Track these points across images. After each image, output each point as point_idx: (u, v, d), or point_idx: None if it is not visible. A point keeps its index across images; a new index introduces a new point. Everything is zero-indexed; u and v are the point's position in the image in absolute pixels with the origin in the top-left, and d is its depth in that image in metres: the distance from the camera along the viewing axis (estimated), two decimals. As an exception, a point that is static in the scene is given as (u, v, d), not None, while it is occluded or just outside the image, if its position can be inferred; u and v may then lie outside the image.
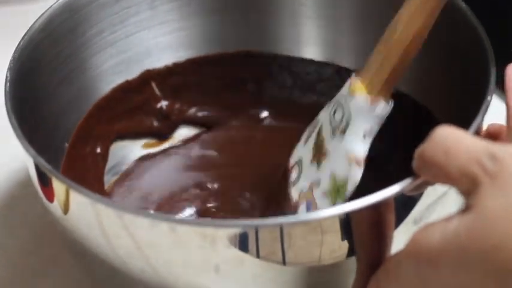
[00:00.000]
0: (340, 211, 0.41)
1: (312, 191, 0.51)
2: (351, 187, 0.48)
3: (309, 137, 0.53)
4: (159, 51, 0.61)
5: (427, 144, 0.38)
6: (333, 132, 0.50)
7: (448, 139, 0.38)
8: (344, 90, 0.50)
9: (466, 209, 0.36)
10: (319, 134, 0.52)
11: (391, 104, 0.48)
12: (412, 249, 0.38)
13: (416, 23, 0.46)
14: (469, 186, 0.37)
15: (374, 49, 0.48)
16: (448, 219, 0.37)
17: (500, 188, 0.35)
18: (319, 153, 0.51)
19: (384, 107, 0.48)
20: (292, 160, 0.54)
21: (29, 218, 0.59)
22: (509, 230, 0.35)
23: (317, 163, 0.51)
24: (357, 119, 0.48)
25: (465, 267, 0.36)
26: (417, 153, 0.39)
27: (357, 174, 0.48)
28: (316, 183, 0.51)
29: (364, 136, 0.48)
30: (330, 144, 0.50)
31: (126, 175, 0.60)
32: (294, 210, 0.52)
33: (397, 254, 0.39)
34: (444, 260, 0.36)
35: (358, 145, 0.48)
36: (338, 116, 0.50)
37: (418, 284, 0.38)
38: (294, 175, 0.53)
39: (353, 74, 0.50)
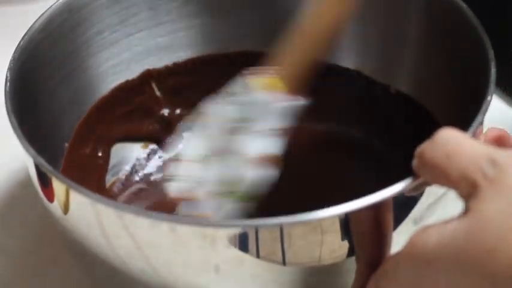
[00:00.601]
0: (340, 211, 0.41)
1: (195, 189, 0.49)
2: (245, 187, 0.48)
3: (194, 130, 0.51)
4: (159, 51, 0.61)
5: (428, 145, 0.38)
6: (232, 132, 0.49)
7: (449, 142, 0.38)
8: (241, 87, 0.49)
9: (464, 212, 0.37)
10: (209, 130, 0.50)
11: (300, 99, 0.48)
12: (410, 250, 0.38)
13: (326, 21, 0.47)
14: (468, 190, 0.37)
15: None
16: (446, 222, 0.37)
17: (499, 192, 0.36)
18: (210, 151, 0.50)
19: (291, 102, 0.47)
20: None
21: (29, 218, 0.59)
22: (505, 235, 0.35)
23: (205, 162, 0.50)
24: (262, 117, 0.48)
25: (461, 270, 0.36)
26: (417, 152, 0.39)
27: (256, 173, 0.47)
28: (202, 183, 0.49)
29: (269, 134, 0.47)
30: (226, 143, 0.49)
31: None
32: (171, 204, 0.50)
33: (396, 255, 0.39)
34: (440, 262, 0.36)
35: (262, 144, 0.48)
36: (238, 114, 0.49)
37: (415, 286, 0.38)
38: (172, 169, 0.51)
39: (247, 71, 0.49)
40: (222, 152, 0.49)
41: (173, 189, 0.50)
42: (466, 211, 0.36)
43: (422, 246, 0.37)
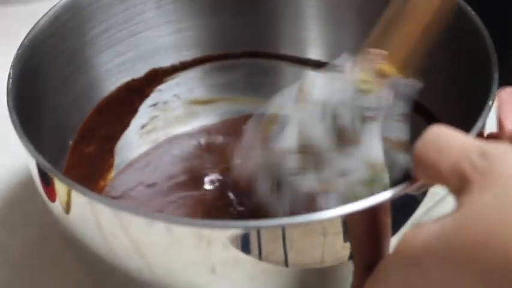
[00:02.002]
0: (342, 212, 0.41)
1: (336, 181, 0.48)
2: (396, 173, 0.47)
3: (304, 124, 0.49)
4: (165, 50, 0.61)
5: (419, 142, 0.38)
6: (362, 120, 0.48)
7: (440, 137, 0.38)
8: (361, 75, 0.48)
9: (455, 209, 0.36)
10: (334, 121, 0.49)
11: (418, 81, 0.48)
12: (399, 250, 0.37)
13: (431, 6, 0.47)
14: (459, 184, 0.36)
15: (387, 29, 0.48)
16: (436, 220, 0.36)
17: (489, 185, 0.35)
18: (341, 141, 0.49)
19: (414, 84, 0.47)
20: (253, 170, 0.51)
21: (29, 218, 0.59)
22: (495, 227, 0.34)
23: (339, 152, 0.49)
24: (392, 103, 0.47)
25: (450, 266, 0.35)
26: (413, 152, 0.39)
27: (402, 158, 0.47)
28: (342, 172, 0.48)
29: (401, 118, 0.47)
30: (359, 132, 0.48)
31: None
32: (309, 202, 0.49)
33: (386, 257, 0.39)
34: (431, 260, 0.36)
35: (397, 129, 0.47)
36: (367, 103, 0.48)
37: (406, 286, 0.38)
38: (292, 164, 0.50)
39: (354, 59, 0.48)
40: (362, 141, 0.48)
41: (307, 182, 0.49)
42: (457, 207, 0.36)
43: (412, 245, 0.37)
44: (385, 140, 0.47)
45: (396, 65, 0.47)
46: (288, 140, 0.49)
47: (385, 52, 0.48)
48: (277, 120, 0.49)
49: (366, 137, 0.48)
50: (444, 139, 0.38)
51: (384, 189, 0.44)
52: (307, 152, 0.49)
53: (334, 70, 0.49)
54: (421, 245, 0.36)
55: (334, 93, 0.48)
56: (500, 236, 0.34)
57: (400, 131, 0.47)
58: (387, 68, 0.47)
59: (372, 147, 0.47)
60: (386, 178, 0.47)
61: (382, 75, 0.47)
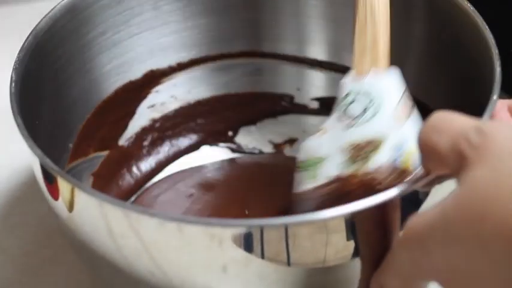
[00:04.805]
0: (346, 211, 0.41)
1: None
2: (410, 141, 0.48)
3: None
4: (162, 51, 0.61)
5: (422, 127, 0.39)
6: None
7: (440, 120, 0.38)
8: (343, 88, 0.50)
9: (455, 188, 0.37)
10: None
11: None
12: (403, 235, 0.38)
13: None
14: (458, 163, 0.37)
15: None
16: (438, 202, 0.37)
17: (484, 160, 0.35)
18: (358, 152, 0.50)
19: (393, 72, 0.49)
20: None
21: (29, 218, 0.59)
22: (492, 200, 0.34)
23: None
24: (383, 93, 0.49)
25: (452, 243, 0.35)
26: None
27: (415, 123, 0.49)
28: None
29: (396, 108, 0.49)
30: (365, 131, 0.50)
31: None
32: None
33: (392, 246, 0.39)
34: (433, 239, 0.36)
35: (396, 102, 0.49)
36: (356, 109, 0.50)
37: (413, 271, 0.38)
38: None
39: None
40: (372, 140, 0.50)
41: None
42: (456, 186, 0.36)
43: (414, 229, 0.37)
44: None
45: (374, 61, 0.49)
46: None
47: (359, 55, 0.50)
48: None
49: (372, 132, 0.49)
50: (443, 121, 0.38)
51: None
52: None
53: None
54: (424, 228, 0.37)
55: None
56: (498, 207, 0.34)
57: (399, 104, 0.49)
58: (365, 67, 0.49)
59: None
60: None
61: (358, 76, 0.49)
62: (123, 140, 0.61)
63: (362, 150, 0.49)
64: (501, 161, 0.35)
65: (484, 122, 0.37)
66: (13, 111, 0.47)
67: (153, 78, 0.61)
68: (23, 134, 0.46)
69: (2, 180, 0.62)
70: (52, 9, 0.54)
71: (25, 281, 0.56)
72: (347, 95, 0.51)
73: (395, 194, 0.41)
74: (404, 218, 0.43)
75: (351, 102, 0.50)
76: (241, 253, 0.42)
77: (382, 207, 0.41)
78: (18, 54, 0.51)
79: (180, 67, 0.62)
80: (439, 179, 0.42)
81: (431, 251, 0.36)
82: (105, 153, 0.59)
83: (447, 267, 0.36)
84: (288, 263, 0.43)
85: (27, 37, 0.52)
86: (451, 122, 0.38)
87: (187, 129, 0.63)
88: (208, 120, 0.63)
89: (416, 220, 0.37)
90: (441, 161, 0.38)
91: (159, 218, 0.42)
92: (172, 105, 0.63)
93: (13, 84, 0.49)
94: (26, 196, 0.60)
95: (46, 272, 0.56)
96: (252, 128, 0.64)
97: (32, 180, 0.56)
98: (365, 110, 0.49)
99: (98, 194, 0.43)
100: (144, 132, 0.62)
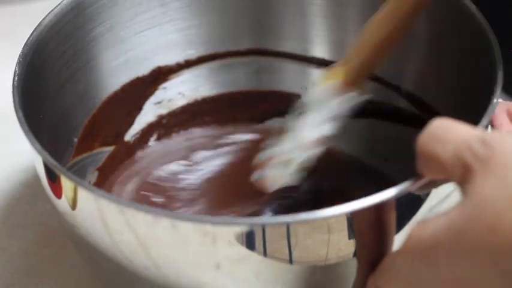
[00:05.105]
0: (346, 210, 0.41)
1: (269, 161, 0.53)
2: (294, 166, 0.51)
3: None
4: (170, 48, 0.61)
5: (421, 135, 0.39)
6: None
7: (441, 129, 0.38)
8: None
9: (461, 199, 0.36)
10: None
11: (364, 95, 0.49)
12: (406, 245, 0.38)
13: (387, 26, 0.48)
14: (462, 174, 0.36)
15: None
16: (443, 213, 0.37)
17: (492, 171, 0.35)
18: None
19: (351, 97, 0.49)
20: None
21: (29, 218, 0.59)
22: (501, 211, 0.34)
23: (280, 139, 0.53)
24: (319, 106, 0.50)
25: (461, 256, 0.35)
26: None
27: (302, 155, 0.51)
28: (275, 155, 0.52)
29: (324, 121, 0.50)
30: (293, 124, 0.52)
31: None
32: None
33: (393, 253, 0.39)
34: (440, 251, 0.36)
35: (313, 129, 0.50)
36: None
37: (415, 282, 0.38)
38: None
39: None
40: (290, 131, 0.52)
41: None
42: (462, 197, 0.36)
43: (420, 240, 0.37)
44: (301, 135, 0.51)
45: (346, 74, 0.49)
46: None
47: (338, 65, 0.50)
48: None
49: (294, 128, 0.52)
50: (445, 130, 0.38)
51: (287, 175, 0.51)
52: None
53: None
54: (430, 239, 0.36)
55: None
56: (507, 218, 0.34)
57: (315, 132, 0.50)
58: (329, 77, 0.49)
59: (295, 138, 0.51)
60: (292, 167, 0.51)
61: (329, 79, 0.49)
62: (129, 136, 0.61)
63: None
64: (507, 170, 0.35)
65: (487, 133, 0.37)
66: (14, 105, 0.47)
67: (161, 75, 0.61)
68: (23, 129, 0.46)
69: (2, 180, 0.62)
70: (58, 5, 0.55)
71: (25, 281, 0.56)
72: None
73: (391, 195, 0.41)
74: (400, 219, 0.43)
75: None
76: (239, 251, 0.42)
77: (377, 208, 0.41)
78: (23, 48, 0.51)
79: (188, 64, 0.62)
80: (436, 183, 0.42)
81: (437, 263, 0.36)
82: (111, 148, 0.60)
83: (452, 279, 0.36)
84: (290, 261, 0.43)
85: (33, 32, 0.52)
86: (452, 131, 0.38)
87: (194, 126, 0.63)
88: (215, 117, 0.63)
89: (420, 230, 0.37)
90: (442, 170, 0.38)
91: (154, 214, 0.42)
92: (180, 102, 0.63)
93: (16, 77, 0.49)
94: (26, 196, 0.60)
95: (46, 272, 0.57)
96: (259, 126, 0.64)
97: (32, 181, 0.56)
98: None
99: (94, 189, 0.43)
100: (150, 128, 0.62)
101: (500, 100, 0.46)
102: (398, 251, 0.38)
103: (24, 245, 0.58)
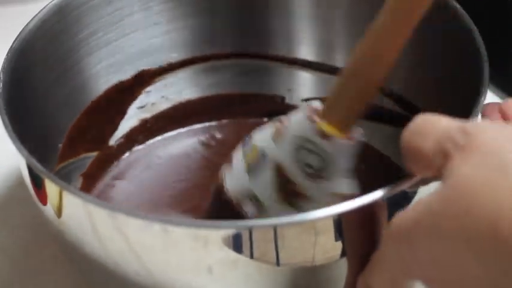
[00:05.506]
0: (333, 212, 0.41)
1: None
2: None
3: (252, 168, 0.49)
4: (153, 51, 0.61)
5: (405, 131, 0.39)
6: (310, 178, 0.46)
7: (423, 123, 0.38)
8: (307, 132, 0.46)
9: (440, 184, 0.37)
10: (278, 174, 0.47)
11: (361, 132, 0.46)
12: (389, 231, 0.38)
13: (382, 59, 0.45)
14: (442, 163, 0.37)
15: (336, 84, 0.46)
16: (423, 198, 0.37)
17: (470, 157, 0.36)
18: (291, 196, 0.47)
19: (358, 139, 0.46)
20: (238, 193, 0.49)
21: (29, 218, 0.59)
22: (477, 195, 0.34)
23: (289, 204, 0.47)
24: (338, 161, 0.46)
25: (438, 237, 0.35)
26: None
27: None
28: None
29: (348, 173, 0.46)
30: (308, 189, 0.46)
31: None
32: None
33: (378, 247, 0.39)
34: (418, 234, 0.36)
35: (344, 184, 0.46)
36: (314, 162, 0.46)
37: (399, 268, 0.38)
38: (250, 210, 0.48)
39: (307, 113, 0.46)
40: (311, 198, 0.47)
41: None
42: (441, 183, 0.36)
43: (400, 224, 0.37)
44: (334, 195, 0.46)
45: (335, 124, 0.45)
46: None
47: (319, 107, 0.46)
48: (258, 151, 0.48)
49: (314, 193, 0.46)
50: (426, 124, 0.38)
51: None
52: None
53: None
54: (411, 222, 0.37)
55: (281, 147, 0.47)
56: (482, 203, 0.34)
57: (348, 187, 0.46)
58: (327, 127, 0.45)
59: (321, 202, 0.46)
60: None
61: (323, 135, 0.45)
62: (113, 141, 0.61)
63: None
64: (485, 158, 0.35)
65: (467, 123, 0.37)
66: (0, 111, 0.47)
67: (144, 79, 0.61)
68: (9, 134, 0.46)
69: (1, 180, 0.62)
70: (42, 9, 0.54)
71: (25, 281, 0.56)
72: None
73: (381, 195, 0.41)
74: (390, 219, 0.43)
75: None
76: (228, 254, 0.42)
77: (368, 209, 0.41)
78: (7, 54, 0.51)
79: (171, 67, 0.62)
80: (425, 181, 0.42)
81: (417, 245, 0.36)
82: (95, 154, 0.59)
83: (433, 263, 0.36)
84: (277, 263, 0.43)
85: (16, 37, 0.52)
86: (434, 124, 0.38)
87: (178, 130, 0.63)
88: (199, 120, 0.63)
89: (401, 216, 0.37)
90: (426, 163, 0.38)
91: (144, 219, 0.42)
92: (163, 106, 0.63)
93: (0, 84, 0.49)
94: (25, 196, 0.60)
95: (46, 272, 0.56)
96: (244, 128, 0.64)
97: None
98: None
99: (83, 194, 0.43)
100: (134, 132, 0.62)
101: (498, 101, 0.46)
102: (382, 240, 0.39)
103: (24, 245, 0.58)
